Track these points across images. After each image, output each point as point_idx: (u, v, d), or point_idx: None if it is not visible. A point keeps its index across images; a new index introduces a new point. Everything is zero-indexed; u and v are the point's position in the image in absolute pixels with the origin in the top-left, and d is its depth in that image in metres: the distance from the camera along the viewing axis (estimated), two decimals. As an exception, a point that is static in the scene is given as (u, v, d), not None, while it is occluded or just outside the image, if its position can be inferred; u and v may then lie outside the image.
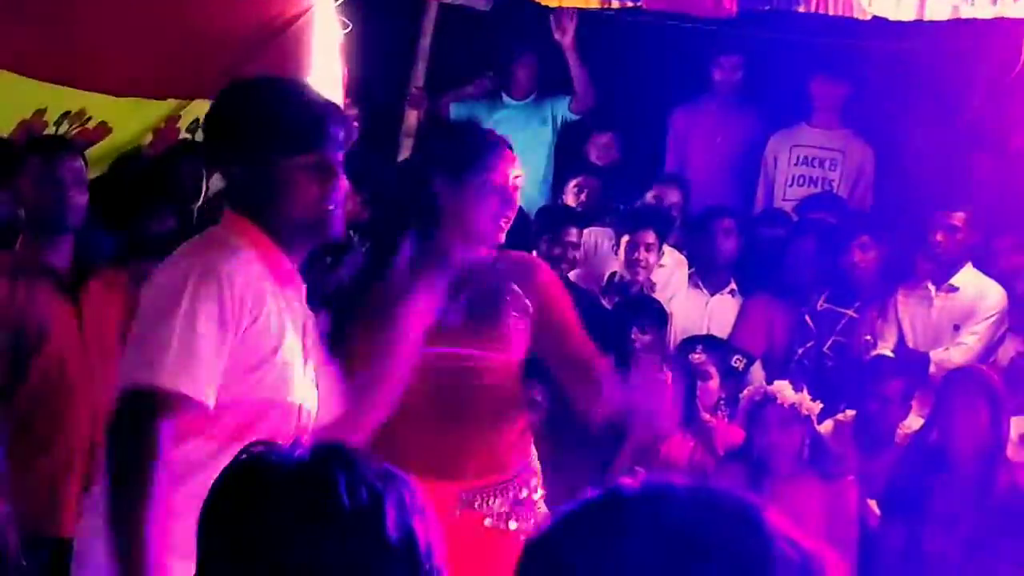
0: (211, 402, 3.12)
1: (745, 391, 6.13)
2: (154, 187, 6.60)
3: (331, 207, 3.26)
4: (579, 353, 4.36)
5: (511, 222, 4.19)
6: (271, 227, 3.26)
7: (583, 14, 7.58)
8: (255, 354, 3.20)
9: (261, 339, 3.20)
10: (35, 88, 6.59)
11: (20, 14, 6.43)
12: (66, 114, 6.73)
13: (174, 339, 3.10)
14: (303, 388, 3.31)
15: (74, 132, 6.71)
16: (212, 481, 2.85)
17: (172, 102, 7.13)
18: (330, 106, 3.37)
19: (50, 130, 6.40)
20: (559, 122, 8.43)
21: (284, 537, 1.79)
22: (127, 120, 7.01)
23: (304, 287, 3.38)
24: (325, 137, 3.25)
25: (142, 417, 3.08)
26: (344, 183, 3.29)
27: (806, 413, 5.84)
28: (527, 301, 4.25)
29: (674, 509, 1.31)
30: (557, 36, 8.06)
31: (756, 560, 1.30)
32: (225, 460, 2.92)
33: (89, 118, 6.87)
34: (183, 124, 7.22)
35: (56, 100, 6.68)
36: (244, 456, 1.91)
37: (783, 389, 5.86)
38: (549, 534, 1.34)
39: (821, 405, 5.98)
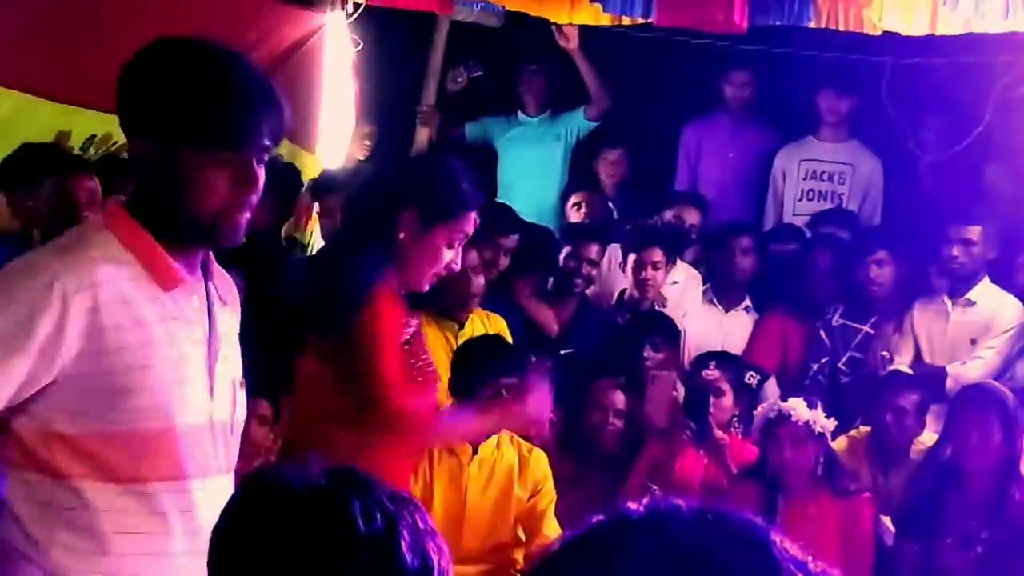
0: None
1: (759, 408, 6.12)
2: None
3: (238, 215, 2.85)
4: None
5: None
6: (163, 219, 2.84)
7: (594, 31, 7.59)
8: (119, 381, 2.78)
9: (123, 364, 2.78)
10: (59, 112, 6.62)
11: (43, 37, 6.46)
12: (92, 138, 6.76)
13: None
14: (203, 402, 2.90)
15: (99, 155, 6.74)
16: (123, 525, 2.80)
17: None
18: (270, 101, 2.83)
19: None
20: (573, 137, 8.44)
21: (300, 562, 1.78)
22: None
23: (205, 281, 2.96)
24: (256, 136, 2.80)
25: None
26: (259, 192, 2.86)
27: (820, 431, 5.82)
28: None
29: (680, 533, 1.30)
30: (562, 43, 8.07)
31: None
32: (133, 503, 2.81)
33: (115, 142, 6.89)
34: None
35: (81, 124, 6.71)
36: (255, 480, 1.91)
37: (797, 407, 5.84)
38: (554, 559, 1.34)
39: (835, 422, 5.96)
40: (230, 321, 3.03)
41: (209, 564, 1.88)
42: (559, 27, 7.90)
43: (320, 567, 1.77)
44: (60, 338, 2.73)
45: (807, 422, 5.79)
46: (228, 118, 2.78)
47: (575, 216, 7.86)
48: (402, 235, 3.97)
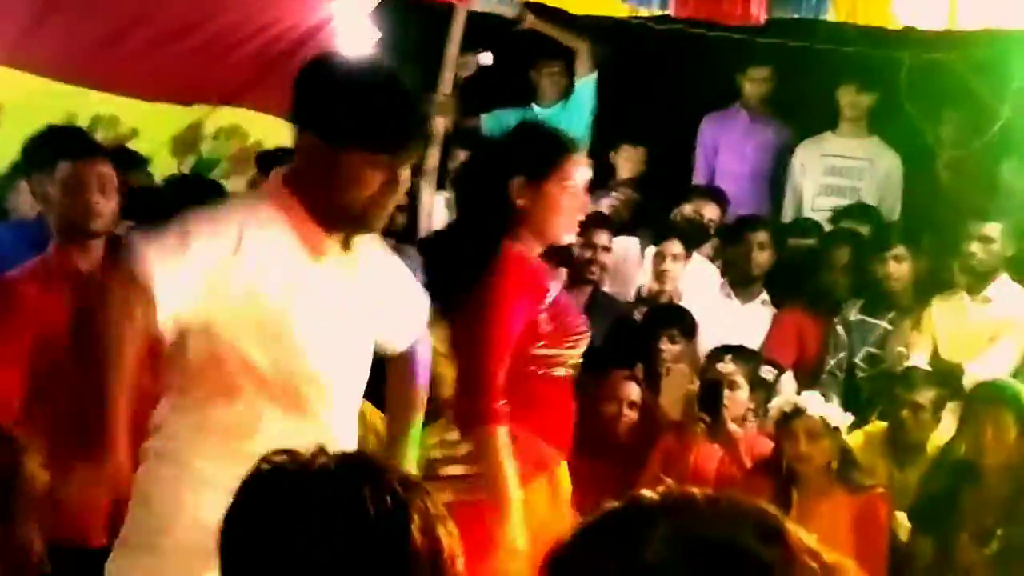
0: (159, 294, 3.24)
1: (775, 402, 6.10)
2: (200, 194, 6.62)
3: (384, 208, 3.37)
4: None
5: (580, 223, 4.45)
6: (315, 203, 3.35)
7: (610, 22, 7.57)
8: (265, 326, 3.31)
9: (271, 313, 3.30)
10: (65, 92, 6.62)
11: (53, 19, 6.46)
12: (97, 119, 6.76)
13: (172, 243, 3.29)
14: (324, 359, 3.41)
15: (110, 138, 6.74)
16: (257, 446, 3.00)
17: (197, 109, 7.16)
18: (420, 114, 3.46)
19: None
20: (580, 115, 8.42)
21: (310, 546, 1.78)
22: (155, 126, 7.04)
23: (362, 259, 3.48)
24: (406, 146, 3.34)
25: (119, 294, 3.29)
26: (402, 193, 3.43)
27: (835, 425, 5.80)
28: None
29: (694, 520, 1.29)
30: (522, 24, 8.10)
31: (779, 571, 1.28)
32: (269, 424, 3.30)
33: (122, 124, 6.90)
34: (208, 131, 7.24)
35: (87, 105, 6.71)
36: (264, 465, 1.90)
37: (812, 401, 5.83)
38: (570, 545, 1.33)
39: (852, 417, 5.94)
40: (371, 288, 3.52)
41: (219, 549, 1.87)
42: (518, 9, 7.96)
43: (330, 550, 1.77)
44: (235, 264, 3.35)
45: (822, 417, 5.77)
46: (386, 127, 3.28)
47: (605, 208, 7.79)
48: (519, 203, 4.21)
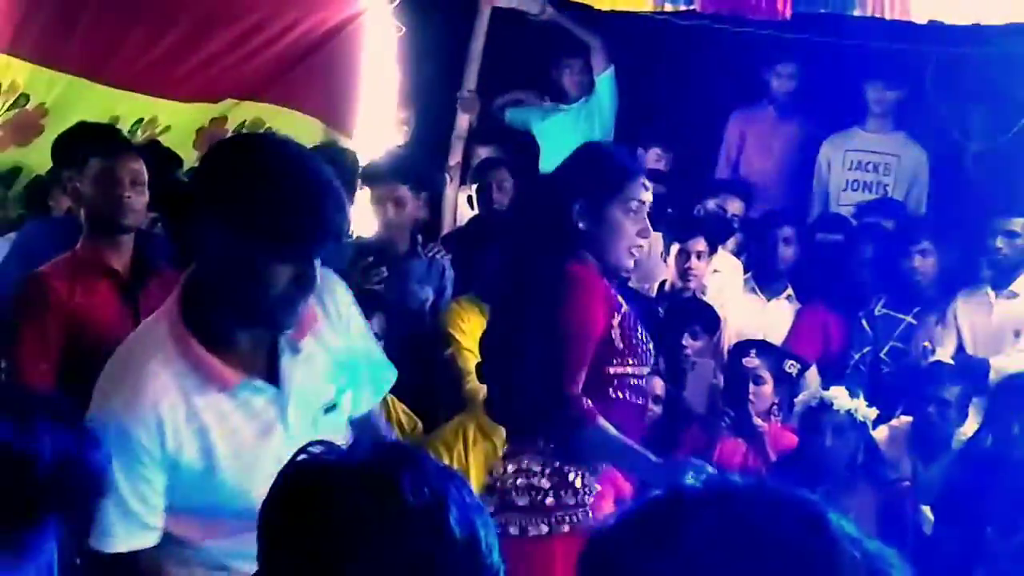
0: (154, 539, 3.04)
1: (800, 396, 6.10)
2: None
3: (291, 307, 2.99)
4: None
5: (642, 251, 4.32)
6: (218, 307, 3.01)
7: (635, 17, 7.57)
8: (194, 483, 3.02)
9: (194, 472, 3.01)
10: (108, 95, 6.65)
11: (94, 20, 6.50)
12: (139, 121, 6.79)
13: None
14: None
15: (146, 137, 6.78)
16: None
17: (222, 103, 7.18)
18: (336, 204, 2.94)
19: None
20: (604, 113, 8.42)
21: (350, 536, 1.79)
22: (183, 122, 7.07)
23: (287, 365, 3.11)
24: (322, 237, 2.92)
25: None
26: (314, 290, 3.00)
27: (862, 420, 5.80)
28: None
29: (737, 508, 1.30)
30: (533, 13, 8.09)
31: (821, 559, 1.29)
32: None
33: (166, 127, 6.93)
34: (231, 126, 7.26)
35: (130, 107, 6.75)
36: (303, 456, 1.91)
37: (839, 395, 5.83)
38: (613, 532, 1.33)
39: (876, 411, 5.94)
40: (311, 352, 3.15)
41: (259, 540, 1.88)
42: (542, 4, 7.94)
43: (370, 540, 1.78)
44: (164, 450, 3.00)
45: (849, 411, 5.77)
46: (302, 214, 2.88)
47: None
48: (581, 226, 4.12)
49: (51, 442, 2.21)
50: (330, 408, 3.15)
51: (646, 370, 4.27)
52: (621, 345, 4.12)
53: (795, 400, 6.16)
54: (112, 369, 3.07)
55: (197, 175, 3.13)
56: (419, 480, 1.82)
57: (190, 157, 7.15)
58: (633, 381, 4.18)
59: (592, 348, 4.06)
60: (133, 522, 2.99)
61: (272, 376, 3.08)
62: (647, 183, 4.24)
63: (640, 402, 4.28)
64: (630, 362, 4.15)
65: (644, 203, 4.19)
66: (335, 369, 3.21)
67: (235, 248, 2.90)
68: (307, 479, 1.87)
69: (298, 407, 3.09)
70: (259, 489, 2.86)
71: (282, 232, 2.88)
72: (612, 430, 3.99)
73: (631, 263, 4.24)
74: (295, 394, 3.09)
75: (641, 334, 4.22)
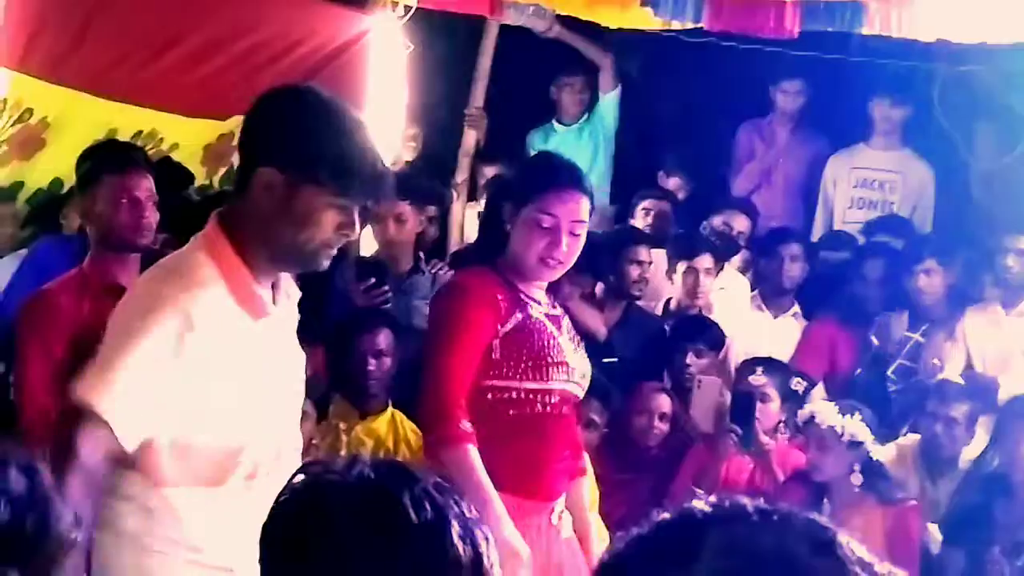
0: (127, 444, 3.10)
1: (800, 411, 6.05)
2: None
3: (329, 251, 3.27)
4: None
5: (562, 268, 4.21)
6: (258, 245, 3.23)
7: (643, 35, 7.58)
8: (210, 397, 3.17)
9: (217, 383, 3.17)
10: (106, 108, 6.66)
11: (92, 34, 6.50)
12: (138, 134, 6.80)
13: (122, 370, 3.11)
14: (269, 425, 3.30)
15: (150, 152, 6.79)
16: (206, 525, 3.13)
17: (230, 120, 7.19)
18: (385, 167, 3.30)
19: None
20: (604, 133, 8.42)
21: (352, 554, 1.79)
22: (191, 139, 7.07)
23: (283, 313, 3.36)
24: (371, 191, 3.25)
25: (84, 437, 3.10)
26: (356, 236, 3.35)
27: (850, 438, 5.75)
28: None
29: (747, 531, 1.30)
30: (540, 29, 8.08)
31: None
32: (218, 504, 3.20)
33: (161, 139, 6.92)
34: (237, 142, 7.26)
35: (128, 121, 6.75)
36: (302, 475, 1.91)
37: (824, 410, 5.80)
38: (624, 556, 1.33)
39: (868, 431, 5.89)
40: (293, 326, 3.43)
41: (260, 561, 1.88)
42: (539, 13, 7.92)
43: (372, 558, 1.78)
44: (198, 358, 3.17)
45: (832, 427, 5.73)
46: (355, 168, 3.17)
47: (642, 221, 7.72)
48: (507, 227, 4.17)
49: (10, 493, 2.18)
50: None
51: (551, 386, 4.18)
52: (498, 357, 4.07)
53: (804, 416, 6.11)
54: (152, 275, 3.32)
55: (251, 119, 3.36)
56: (420, 496, 1.82)
57: (199, 173, 7.16)
58: (517, 395, 4.11)
59: (470, 359, 4.02)
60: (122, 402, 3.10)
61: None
62: (582, 202, 4.15)
63: (544, 414, 4.17)
64: (511, 376, 4.09)
65: (558, 217, 4.10)
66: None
67: (287, 192, 3.16)
68: (307, 498, 1.87)
69: (284, 346, 3.34)
70: (247, 421, 3.15)
71: (339, 181, 3.14)
72: (470, 460, 3.91)
73: (545, 274, 4.18)
74: (286, 334, 3.35)
75: (547, 348, 4.14)
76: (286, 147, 3.19)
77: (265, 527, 1.88)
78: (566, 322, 4.35)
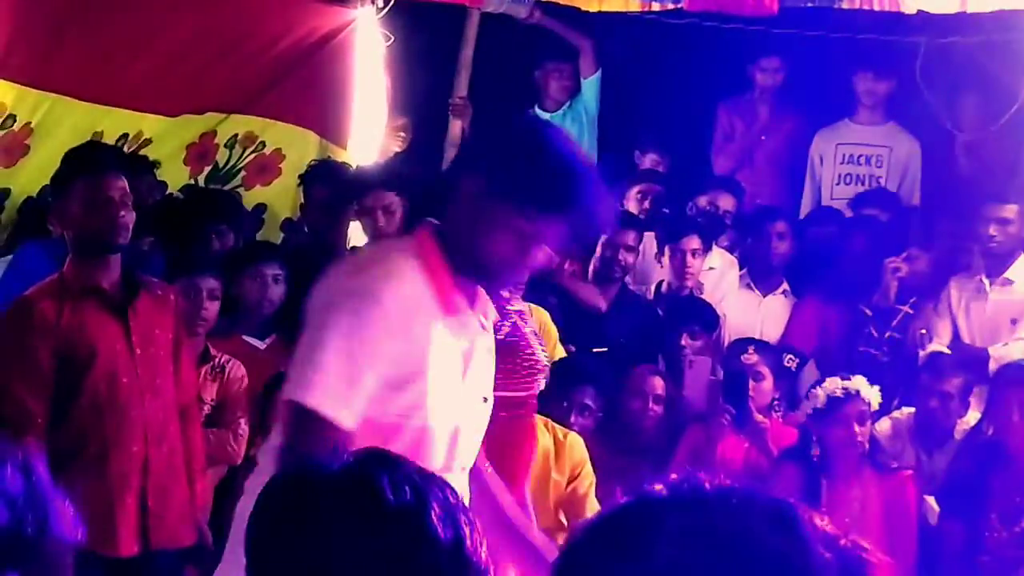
0: (352, 426, 3.14)
1: (823, 387, 5.99)
2: (218, 207, 6.67)
3: (516, 271, 3.37)
4: None
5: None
6: (457, 253, 3.26)
7: (624, 18, 7.56)
8: (396, 378, 3.19)
9: (405, 365, 3.19)
10: (91, 112, 6.66)
11: (74, 38, 6.50)
12: (124, 136, 6.79)
13: (330, 362, 3.14)
14: (452, 411, 3.31)
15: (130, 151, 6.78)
16: None
17: (210, 117, 7.18)
18: (594, 207, 3.26)
19: None
20: (586, 116, 8.40)
21: (333, 540, 1.79)
22: (170, 137, 7.06)
23: (483, 315, 3.39)
24: (569, 216, 3.21)
25: (305, 432, 3.14)
26: (536, 262, 3.31)
27: (874, 409, 5.82)
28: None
29: (706, 512, 1.30)
30: (522, 17, 8.05)
31: (791, 560, 1.28)
32: None
33: (148, 140, 6.92)
34: (220, 140, 7.25)
35: (113, 123, 6.74)
36: (286, 470, 1.92)
37: (863, 385, 5.82)
38: (582, 541, 1.33)
39: (881, 401, 5.95)
40: (487, 344, 3.44)
41: (246, 555, 1.89)
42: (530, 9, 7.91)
43: (353, 543, 1.78)
44: (394, 340, 3.19)
45: (870, 400, 5.78)
46: (559, 191, 3.17)
47: (635, 206, 7.70)
48: None
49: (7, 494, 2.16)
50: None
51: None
52: None
53: (814, 391, 6.08)
54: (361, 262, 3.44)
55: (475, 141, 3.55)
56: (399, 480, 1.82)
57: (182, 173, 7.15)
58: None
59: None
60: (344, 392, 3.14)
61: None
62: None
63: None
64: None
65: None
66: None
67: (494, 208, 3.18)
68: (288, 488, 1.87)
69: (474, 369, 3.36)
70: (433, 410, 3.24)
71: (531, 206, 3.16)
72: None
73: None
74: (477, 356, 3.36)
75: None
76: (511, 175, 3.20)
77: (249, 523, 1.88)
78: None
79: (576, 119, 8.41)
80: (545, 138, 3.26)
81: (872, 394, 5.80)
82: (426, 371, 3.21)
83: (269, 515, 1.87)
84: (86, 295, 4.83)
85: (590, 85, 8.38)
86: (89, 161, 4.97)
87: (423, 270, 3.24)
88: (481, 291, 3.38)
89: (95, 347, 4.77)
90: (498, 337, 4.10)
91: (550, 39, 8.38)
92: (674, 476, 1.33)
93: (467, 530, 1.83)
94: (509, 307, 4.33)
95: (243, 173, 7.37)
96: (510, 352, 4.23)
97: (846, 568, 1.31)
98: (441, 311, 3.24)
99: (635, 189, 7.75)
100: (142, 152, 6.85)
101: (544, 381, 4.48)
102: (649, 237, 7.26)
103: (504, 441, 4.20)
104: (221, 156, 7.26)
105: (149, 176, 6.65)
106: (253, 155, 7.32)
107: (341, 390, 3.13)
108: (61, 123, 6.54)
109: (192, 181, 7.16)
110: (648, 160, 8.19)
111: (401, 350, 3.17)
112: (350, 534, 1.78)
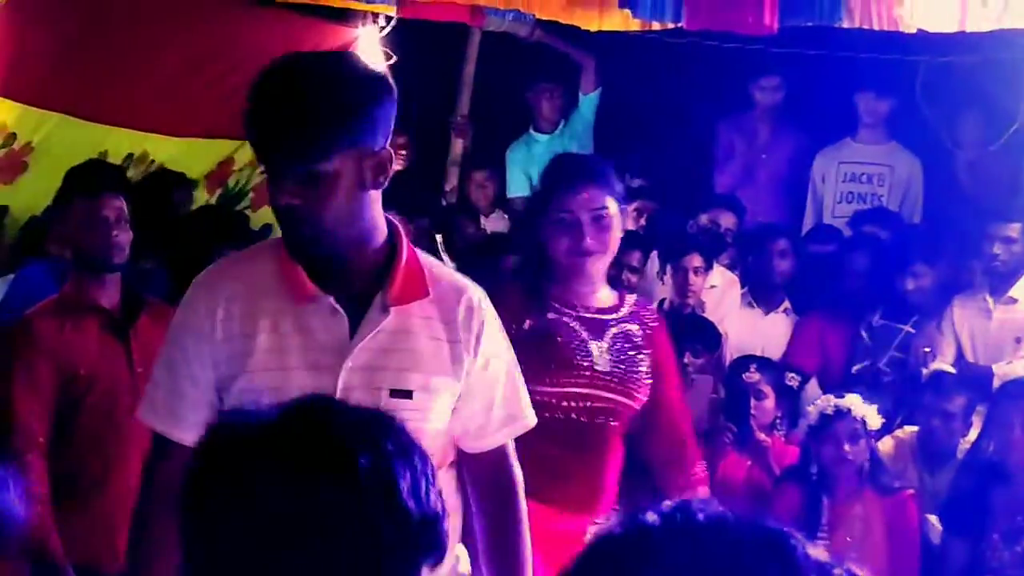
0: (192, 439, 2.88)
1: (816, 404, 6.02)
2: (225, 227, 6.68)
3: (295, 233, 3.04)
4: (672, 427, 4.48)
5: (595, 257, 4.21)
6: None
7: (624, 37, 7.57)
8: (222, 379, 3.02)
9: (230, 366, 3.01)
10: (95, 132, 6.66)
11: (79, 58, 6.51)
12: (129, 157, 6.79)
13: (158, 375, 3.10)
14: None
15: (140, 173, 6.78)
16: None
17: (227, 143, 7.20)
18: None
19: None
20: (585, 131, 8.40)
21: (264, 489, 1.68)
22: (187, 162, 7.08)
23: (389, 297, 3.03)
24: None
25: (152, 448, 3.11)
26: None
27: (871, 427, 5.81)
28: (650, 350, 4.36)
29: (698, 541, 1.29)
30: (522, 34, 8.06)
31: None
32: None
33: (152, 161, 6.92)
34: (237, 166, 7.27)
35: (117, 143, 6.75)
36: (216, 423, 1.82)
37: (855, 403, 5.82)
38: (575, 569, 1.33)
39: (883, 420, 5.94)
40: (394, 327, 3.06)
41: (180, 524, 1.76)
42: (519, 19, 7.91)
43: (282, 491, 1.67)
44: (222, 337, 3.05)
45: (863, 418, 5.77)
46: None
47: (632, 223, 7.73)
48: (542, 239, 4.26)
49: None
50: (399, 393, 3.04)
51: (566, 389, 4.19)
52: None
53: (807, 409, 6.11)
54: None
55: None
56: (335, 425, 1.72)
57: (200, 197, 7.17)
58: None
59: None
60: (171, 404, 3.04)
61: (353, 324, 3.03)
62: (596, 191, 4.16)
63: None
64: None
65: (574, 211, 4.14)
66: (440, 369, 3.10)
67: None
68: (219, 442, 1.76)
69: (357, 359, 3.01)
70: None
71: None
72: None
73: (581, 267, 4.20)
74: (361, 349, 3.01)
75: (564, 351, 4.22)
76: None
77: (184, 485, 1.77)
78: (619, 329, 4.32)
79: (574, 136, 8.41)
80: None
81: (868, 412, 5.78)
82: (251, 370, 2.99)
83: (200, 473, 1.74)
84: (86, 314, 4.85)
85: (587, 102, 8.38)
86: (86, 181, 4.98)
87: (274, 262, 3.04)
88: (405, 272, 3.07)
89: (96, 366, 4.78)
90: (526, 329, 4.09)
91: (551, 58, 8.39)
92: (667, 504, 1.32)
93: (406, 474, 1.71)
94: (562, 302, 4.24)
95: (251, 194, 7.39)
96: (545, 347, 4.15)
97: None
98: (292, 301, 3.00)
99: (631, 207, 7.74)
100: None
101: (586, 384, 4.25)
102: (651, 256, 7.26)
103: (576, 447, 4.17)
104: (232, 179, 7.30)
105: (186, 192, 6.69)
106: (262, 176, 7.34)
107: (170, 403, 3.05)
108: (63, 142, 6.55)
109: (205, 202, 7.20)
110: (636, 185, 8.21)
111: (224, 351, 3.00)
112: (278, 484, 1.67)
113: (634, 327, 4.33)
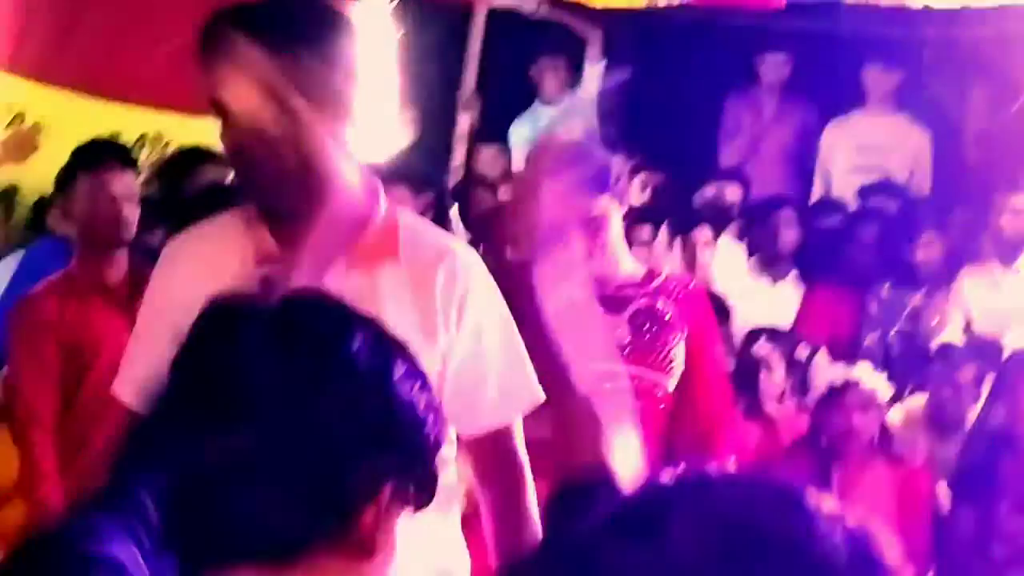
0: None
1: (822, 376, 6.05)
2: (232, 201, 6.63)
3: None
4: (704, 405, 4.23)
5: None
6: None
7: (630, 12, 7.58)
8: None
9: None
10: (105, 110, 6.61)
11: (86, 30, 6.45)
12: (142, 138, 6.74)
13: (130, 347, 3.03)
14: None
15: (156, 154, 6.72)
16: None
17: None
18: None
19: None
20: (590, 106, 8.39)
21: (251, 358, 1.68)
22: (202, 142, 7.04)
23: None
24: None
25: (121, 433, 2.91)
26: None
27: (881, 397, 5.82)
28: (683, 325, 4.16)
29: (714, 501, 1.31)
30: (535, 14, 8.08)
31: (797, 542, 1.30)
32: None
33: (167, 142, 6.88)
34: None
35: (131, 123, 6.70)
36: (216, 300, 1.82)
37: (864, 373, 5.83)
38: (590, 530, 1.34)
39: (893, 390, 5.96)
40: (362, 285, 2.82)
41: (169, 383, 1.76)
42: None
43: (267, 362, 1.65)
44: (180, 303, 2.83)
45: (873, 388, 5.79)
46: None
47: (639, 196, 7.67)
48: None
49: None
50: None
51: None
52: None
53: (816, 380, 6.13)
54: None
55: None
56: (323, 310, 1.72)
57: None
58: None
59: None
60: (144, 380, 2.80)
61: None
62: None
63: None
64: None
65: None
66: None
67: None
68: (218, 314, 1.77)
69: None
70: None
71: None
72: None
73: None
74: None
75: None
76: None
77: (179, 351, 1.77)
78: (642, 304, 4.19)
79: (580, 111, 8.40)
80: None
81: (878, 382, 5.81)
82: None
83: (194, 350, 1.75)
84: (92, 291, 4.83)
85: (592, 75, 8.39)
86: (90, 157, 4.96)
87: (243, 223, 2.88)
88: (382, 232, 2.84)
89: (99, 343, 4.73)
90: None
91: (557, 31, 8.39)
92: (681, 466, 1.34)
93: (398, 364, 1.69)
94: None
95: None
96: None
97: (855, 550, 1.32)
98: (253, 262, 2.79)
99: (636, 179, 7.76)
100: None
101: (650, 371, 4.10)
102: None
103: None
104: None
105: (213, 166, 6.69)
106: None
107: (135, 373, 2.90)
108: (72, 120, 6.49)
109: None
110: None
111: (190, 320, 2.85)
112: (267, 354, 1.66)
113: (662, 302, 4.18)
